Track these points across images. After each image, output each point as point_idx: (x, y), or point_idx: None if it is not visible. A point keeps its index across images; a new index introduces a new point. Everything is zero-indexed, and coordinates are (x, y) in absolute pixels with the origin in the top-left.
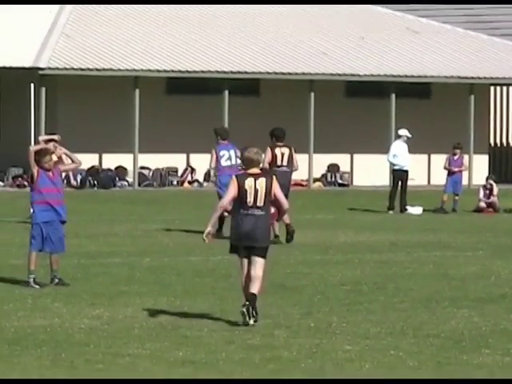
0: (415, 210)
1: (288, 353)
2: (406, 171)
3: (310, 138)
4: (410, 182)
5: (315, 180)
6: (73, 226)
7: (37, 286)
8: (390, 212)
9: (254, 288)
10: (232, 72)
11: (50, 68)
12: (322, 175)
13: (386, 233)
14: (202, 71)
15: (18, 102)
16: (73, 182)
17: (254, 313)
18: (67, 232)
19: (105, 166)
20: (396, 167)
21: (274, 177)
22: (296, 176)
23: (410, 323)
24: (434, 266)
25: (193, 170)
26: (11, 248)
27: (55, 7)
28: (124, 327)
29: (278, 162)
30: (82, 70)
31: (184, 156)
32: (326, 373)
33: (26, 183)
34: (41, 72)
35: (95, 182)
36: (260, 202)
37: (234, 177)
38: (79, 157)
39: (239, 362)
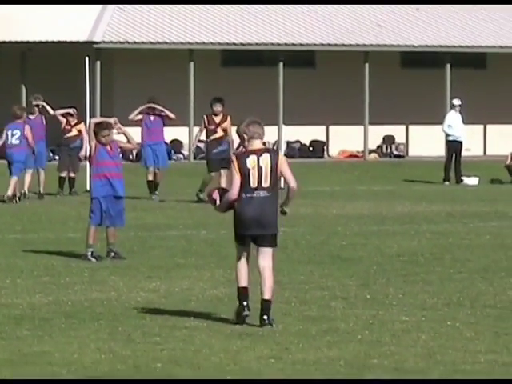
0: (471, 181)
1: (345, 324)
2: (461, 142)
3: (365, 110)
4: (465, 153)
5: (371, 151)
6: (130, 198)
7: (94, 260)
8: (446, 183)
9: (267, 292)
10: (287, 44)
11: (104, 42)
12: (378, 147)
13: (442, 203)
14: (257, 43)
15: (73, 77)
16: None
17: (271, 320)
18: (125, 205)
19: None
20: (450, 138)
21: (281, 152)
22: (351, 147)
23: (467, 294)
24: (490, 236)
25: None
26: (68, 221)
27: None
28: (181, 300)
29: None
30: (136, 43)
31: None
32: (383, 344)
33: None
34: (96, 46)
35: None
36: (265, 183)
37: (233, 157)
38: (135, 130)
39: (296, 333)
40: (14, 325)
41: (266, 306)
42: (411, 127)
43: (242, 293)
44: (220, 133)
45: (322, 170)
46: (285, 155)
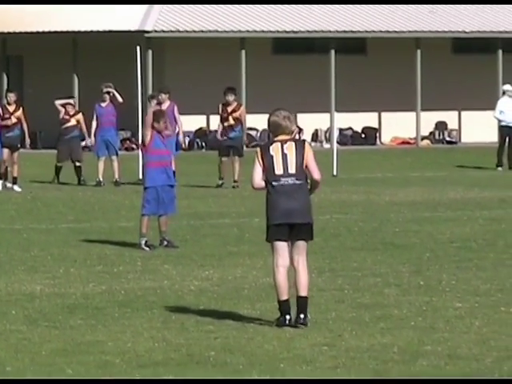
0: None
1: (398, 311)
2: None
3: (417, 96)
4: None
5: (423, 138)
6: (182, 187)
7: (147, 249)
8: (499, 169)
9: (304, 287)
10: (338, 31)
11: (156, 31)
12: (430, 133)
13: (495, 189)
14: (308, 31)
15: (124, 66)
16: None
17: (307, 319)
18: (177, 193)
19: (212, 127)
20: (503, 123)
21: (307, 142)
22: (404, 134)
23: None
24: None
25: (300, 130)
26: (121, 210)
27: None
28: (234, 288)
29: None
30: (187, 32)
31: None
32: (437, 330)
33: (134, 146)
34: (147, 35)
35: (203, 144)
36: (291, 169)
37: (257, 148)
38: (188, 118)
39: (349, 320)
40: (68, 314)
41: (301, 303)
42: (463, 113)
43: (284, 306)
44: (231, 121)
45: (375, 156)
46: (337, 142)
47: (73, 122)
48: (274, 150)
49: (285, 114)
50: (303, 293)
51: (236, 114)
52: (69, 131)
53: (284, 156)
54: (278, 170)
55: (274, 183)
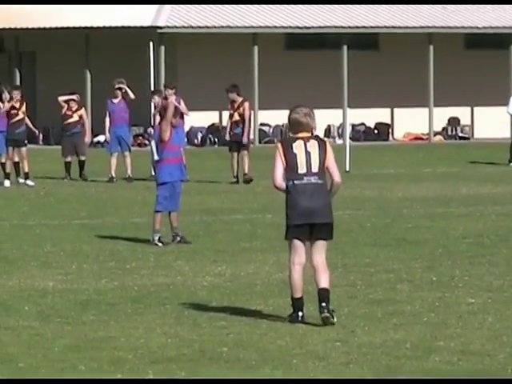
0: None
1: (411, 307)
2: None
3: (429, 92)
4: None
5: (436, 133)
6: (194, 183)
7: (160, 244)
8: None
9: (325, 281)
10: (350, 27)
11: (168, 26)
12: (443, 129)
13: (507, 185)
14: (321, 26)
15: (137, 62)
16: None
17: (331, 309)
18: (190, 189)
19: (225, 123)
20: None
21: (328, 142)
22: (416, 130)
23: None
24: None
25: None
26: (133, 206)
27: None
28: (246, 284)
29: None
30: (200, 27)
31: None
32: (449, 326)
33: (146, 142)
34: (160, 31)
35: (216, 140)
36: (315, 168)
37: (278, 143)
38: (200, 114)
39: (362, 316)
40: (80, 310)
41: (322, 293)
42: (476, 109)
43: (298, 303)
44: (236, 117)
45: (387, 152)
46: (350, 138)
47: (75, 117)
48: (297, 147)
49: (305, 111)
50: (324, 284)
51: (240, 111)
52: (71, 127)
53: (308, 154)
54: (302, 169)
55: (296, 182)
